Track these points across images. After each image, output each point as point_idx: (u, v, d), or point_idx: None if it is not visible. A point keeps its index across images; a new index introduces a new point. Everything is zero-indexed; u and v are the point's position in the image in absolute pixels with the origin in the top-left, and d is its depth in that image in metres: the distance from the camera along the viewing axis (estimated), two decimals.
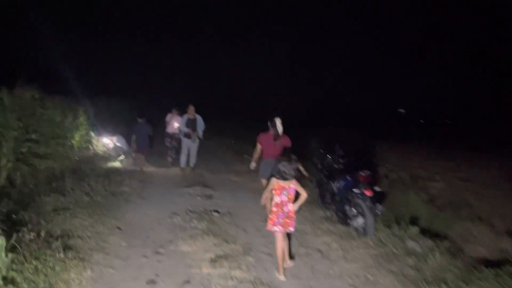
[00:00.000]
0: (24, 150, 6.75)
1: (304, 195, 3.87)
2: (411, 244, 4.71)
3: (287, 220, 3.86)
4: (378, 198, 5.19)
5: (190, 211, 5.87)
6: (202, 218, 5.50)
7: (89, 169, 7.68)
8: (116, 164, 9.42)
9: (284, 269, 3.97)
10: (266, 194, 4.19)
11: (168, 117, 10.77)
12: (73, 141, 10.42)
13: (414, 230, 5.13)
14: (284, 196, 3.83)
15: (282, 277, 3.88)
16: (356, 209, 5.19)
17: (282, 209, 3.84)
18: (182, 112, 9.89)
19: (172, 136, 10.33)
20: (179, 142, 9.92)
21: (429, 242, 4.75)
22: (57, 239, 4.02)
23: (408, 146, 13.80)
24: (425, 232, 5.27)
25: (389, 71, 43.41)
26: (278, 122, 5.51)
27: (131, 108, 16.16)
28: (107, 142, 11.63)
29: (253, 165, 5.89)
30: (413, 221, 5.71)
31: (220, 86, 37.33)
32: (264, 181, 5.49)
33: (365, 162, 6.62)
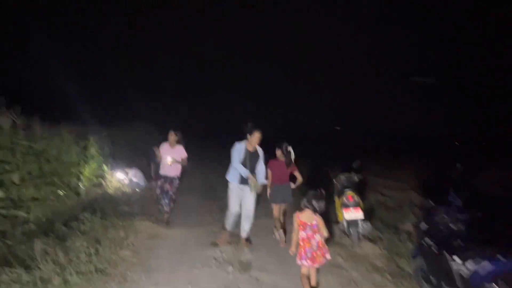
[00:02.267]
0: None
1: (324, 233, 3.83)
2: None
3: (318, 252, 3.78)
4: None
5: None
6: None
7: (87, 217, 5.70)
8: (128, 206, 7.42)
9: None
10: (295, 238, 3.96)
11: (163, 147, 6.67)
12: (82, 177, 8.68)
13: None
14: (308, 230, 3.79)
15: None
16: None
17: (310, 243, 3.77)
18: (184, 135, 6.81)
19: (166, 179, 6.59)
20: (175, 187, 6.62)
21: None
22: None
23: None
24: None
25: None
26: (290, 149, 5.78)
27: (152, 134, 14.45)
28: (121, 177, 9.78)
29: (270, 193, 5.90)
30: None
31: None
32: (275, 207, 5.85)
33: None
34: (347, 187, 6.09)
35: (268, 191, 5.89)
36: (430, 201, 4.15)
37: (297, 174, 5.86)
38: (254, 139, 5.22)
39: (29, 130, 6.30)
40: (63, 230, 5.25)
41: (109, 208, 6.86)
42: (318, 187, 4.11)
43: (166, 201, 6.46)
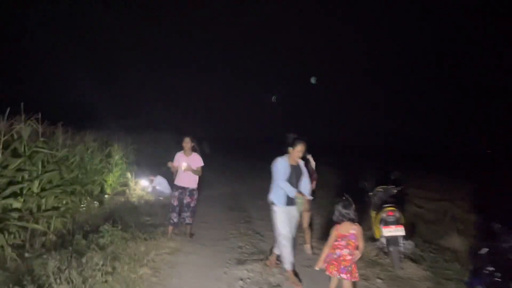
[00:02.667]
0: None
1: (361, 245, 3.69)
2: None
3: (334, 262, 3.68)
4: None
5: None
6: None
7: (107, 229, 5.41)
8: (150, 216, 7.12)
9: None
10: (325, 252, 3.80)
11: (177, 157, 6.17)
12: (105, 185, 8.50)
13: None
14: (344, 241, 3.68)
15: None
16: None
17: (334, 250, 3.71)
18: (200, 142, 6.40)
19: (184, 190, 6.04)
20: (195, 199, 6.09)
21: None
22: None
23: None
24: None
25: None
26: (311, 159, 5.80)
27: (178, 142, 14.25)
28: (145, 185, 9.56)
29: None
30: None
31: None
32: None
33: None
34: (385, 201, 5.54)
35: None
36: (497, 224, 3.54)
37: (313, 184, 5.67)
38: (296, 152, 4.51)
39: (51, 137, 6.10)
40: (82, 243, 4.98)
41: (131, 218, 6.59)
42: (343, 195, 3.97)
43: (188, 213, 5.97)
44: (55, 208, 5.82)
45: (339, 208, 3.76)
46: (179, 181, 6.04)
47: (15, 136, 5.20)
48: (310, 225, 5.84)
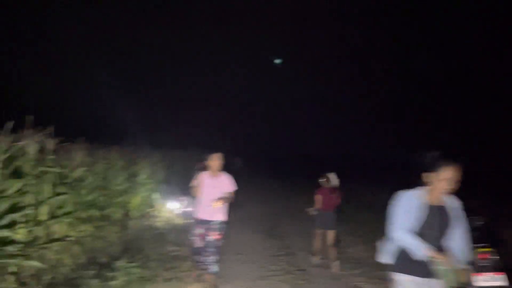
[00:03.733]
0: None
1: None
2: None
3: None
4: None
5: None
6: None
7: (123, 266, 4.51)
8: (177, 245, 6.17)
9: None
10: None
11: (202, 178, 4.57)
12: (130, 208, 7.71)
13: None
14: None
15: None
16: None
17: None
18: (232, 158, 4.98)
19: (209, 225, 4.49)
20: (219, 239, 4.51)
21: None
22: None
23: None
24: None
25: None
26: (333, 177, 5.84)
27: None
28: (173, 206, 8.68)
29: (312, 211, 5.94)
30: None
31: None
32: (318, 232, 5.83)
33: None
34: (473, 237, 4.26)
35: (312, 210, 5.96)
36: None
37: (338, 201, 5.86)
38: (443, 181, 2.57)
39: (65, 155, 5.35)
40: (92, 285, 4.08)
41: (154, 248, 5.68)
42: None
43: (212, 257, 4.37)
44: (67, 237, 5.03)
45: None
46: (203, 213, 4.48)
47: (21, 153, 4.47)
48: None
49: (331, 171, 5.91)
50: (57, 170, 4.85)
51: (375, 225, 8.36)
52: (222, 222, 4.51)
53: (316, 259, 5.75)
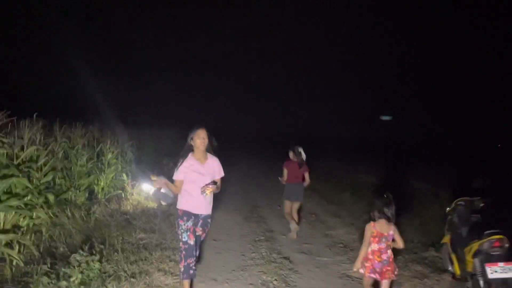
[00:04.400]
0: None
1: (400, 245, 3.47)
2: None
3: (388, 267, 3.41)
4: None
5: None
6: None
7: (80, 260, 3.91)
8: (146, 232, 5.61)
9: None
10: (363, 251, 3.49)
11: (187, 162, 3.74)
12: (96, 190, 7.06)
13: None
14: (382, 243, 3.42)
15: None
16: None
17: (380, 257, 3.42)
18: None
19: (197, 218, 3.77)
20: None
21: None
22: None
23: None
24: None
25: None
26: (301, 150, 5.93)
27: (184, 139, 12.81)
28: (145, 188, 8.06)
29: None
30: None
31: None
32: (287, 203, 6.00)
33: None
34: (467, 219, 3.93)
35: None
36: None
37: (306, 176, 5.98)
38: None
39: (14, 132, 4.63)
40: (43, 282, 3.50)
41: (121, 236, 5.10)
42: (384, 192, 3.58)
43: (197, 253, 3.76)
44: (17, 227, 4.38)
45: (378, 205, 3.47)
46: (195, 205, 3.67)
47: None
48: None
49: (298, 144, 6.03)
50: (2, 150, 4.16)
51: (356, 206, 8.10)
52: (209, 216, 3.83)
53: (293, 225, 5.82)
